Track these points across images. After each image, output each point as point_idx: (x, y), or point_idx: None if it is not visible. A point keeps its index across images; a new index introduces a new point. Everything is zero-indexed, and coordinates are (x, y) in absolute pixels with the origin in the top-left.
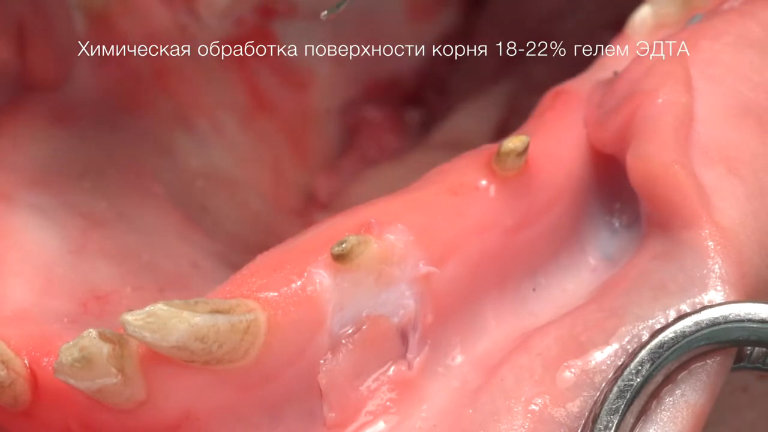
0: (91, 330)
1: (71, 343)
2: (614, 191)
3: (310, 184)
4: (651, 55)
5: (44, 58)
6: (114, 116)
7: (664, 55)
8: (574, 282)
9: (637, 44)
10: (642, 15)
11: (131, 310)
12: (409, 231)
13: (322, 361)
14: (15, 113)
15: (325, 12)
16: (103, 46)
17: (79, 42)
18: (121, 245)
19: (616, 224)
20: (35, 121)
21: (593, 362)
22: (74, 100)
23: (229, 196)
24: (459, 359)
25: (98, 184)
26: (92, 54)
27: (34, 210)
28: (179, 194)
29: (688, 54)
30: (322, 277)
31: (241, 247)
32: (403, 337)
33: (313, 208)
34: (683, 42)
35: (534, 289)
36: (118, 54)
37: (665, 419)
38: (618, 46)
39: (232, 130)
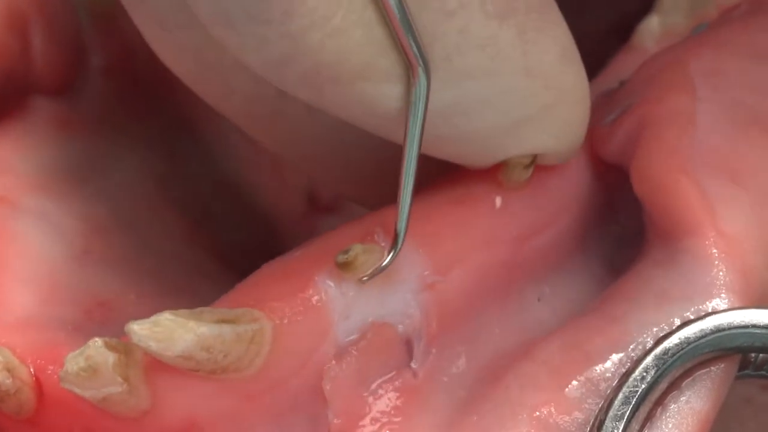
0: (96, 339)
1: (77, 352)
2: (619, 201)
3: (313, 188)
4: (654, 64)
5: (50, 61)
6: (118, 121)
7: (667, 65)
8: (579, 292)
9: (644, 54)
10: (649, 25)
11: (136, 317)
12: (414, 240)
13: (326, 368)
14: (18, 117)
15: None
16: (108, 49)
17: (85, 45)
18: (124, 251)
19: (622, 234)
20: (39, 125)
21: (598, 370)
22: (78, 104)
23: (232, 201)
24: (463, 368)
25: (102, 189)
26: (97, 57)
27: (37, 215)
28: (183, 199)
29: (691, 63)
30: (327, 286)
31: (245, 251)
32: (408, 345)
33: (315, 211)
34: (687, 51)
35: (539, 299)
36: (122, 57)
37: (670, 426)
38: (625, 56)
39: (234, 134)
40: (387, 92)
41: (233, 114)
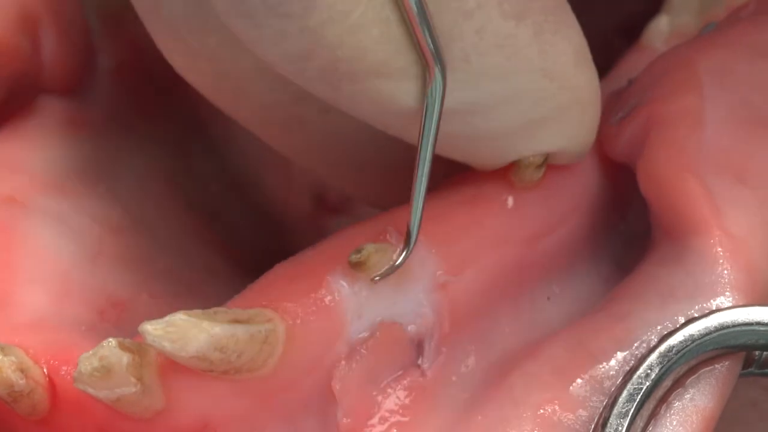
0: (110, 339)
1: (91, 352)
2: (627, 200)
3: (320, 188)
4: (662, 63)
5: (60, 61)
6: (127, 121)
7: (676, 64)
8: (588, 291)
9: (653, 53)
10: (659, 25)
11: (149, 318)
12: (426, 240)
13: (336, 368)
14: (28, 117)
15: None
16: (117, 50)
17: (94, 46)
18: (137, 252)
19: (630, 233)
20: (49, 125)
21: (602, 368)
22: (89, 104)
23: (242, 201)
24: (473, 367)
25: (113, 189)
26: (106, 57)
27: (49, 215)
28: (194, 199)
29: (700, 63)
30: (340, 286)
31: (254, 252)
32: (419, 344)
33: (323, 211)
34: (696, 50)
35: (549, 298)
36: (130, 58)
37: (675, 423)
38: (634, 56)
39: (242, 133)
40: (402, 91)
41: (247, 120)
